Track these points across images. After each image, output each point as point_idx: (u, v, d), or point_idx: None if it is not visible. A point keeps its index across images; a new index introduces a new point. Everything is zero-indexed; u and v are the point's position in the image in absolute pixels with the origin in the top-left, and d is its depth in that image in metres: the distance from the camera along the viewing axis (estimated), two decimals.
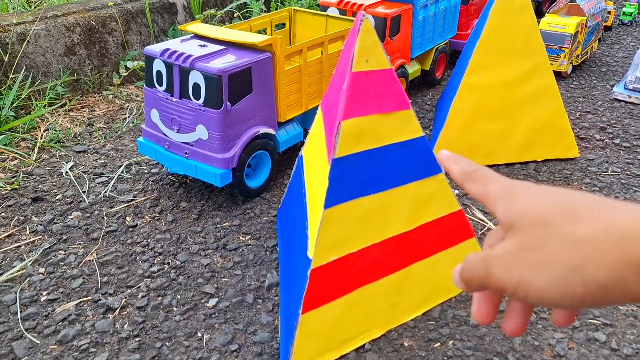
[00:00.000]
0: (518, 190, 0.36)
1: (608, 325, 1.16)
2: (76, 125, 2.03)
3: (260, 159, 1.59)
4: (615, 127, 2.06)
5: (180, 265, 1.33)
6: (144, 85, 1.52)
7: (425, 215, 1.13)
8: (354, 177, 1.02)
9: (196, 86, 1.38)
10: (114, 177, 1.70)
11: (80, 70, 2.25)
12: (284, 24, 1.99)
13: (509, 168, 1.77)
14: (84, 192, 1.63)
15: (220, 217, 1.51)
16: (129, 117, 2.12)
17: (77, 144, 1.91)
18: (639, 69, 2.27)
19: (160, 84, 1.46)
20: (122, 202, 1.58)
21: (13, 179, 1.69)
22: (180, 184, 1.67)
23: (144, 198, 1.60)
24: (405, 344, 1.11)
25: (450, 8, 2.30)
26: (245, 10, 2.95)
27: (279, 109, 1.56)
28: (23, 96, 2.00)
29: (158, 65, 1.45)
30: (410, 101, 1.09)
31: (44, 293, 1.24)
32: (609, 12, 3.10)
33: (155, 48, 1.46)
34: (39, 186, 1.66)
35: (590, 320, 1.18)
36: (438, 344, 1.11)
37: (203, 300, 1.23)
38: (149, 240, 1.42)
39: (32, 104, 2.04)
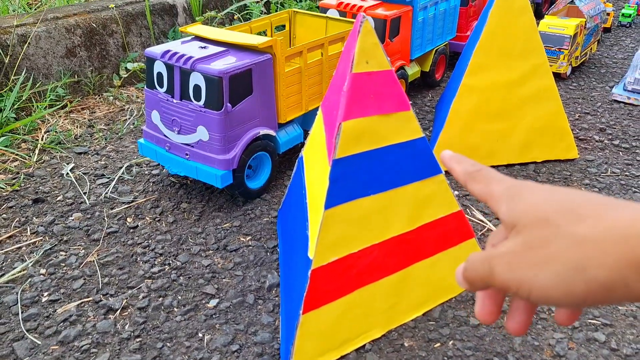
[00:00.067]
0: (521, 190, 0.36)
1: (608, 326, 1.17)
2: (77, 127, 2.04)
3: (260, 160, 1.59)
4: (615, 128, 2.07)
5: (181, 266, 1.34)
6: (145, 87, 1.52)
7: (425, 215, 1.14)
8: (355, 177, 1.02)
9: (197, 87, 1.39)
10: (114, 179, 1.70)
11: (81, 72, 2.25)
12: (284, 26, 1.99)
13: (509, 169, 1.77)
14: (84, 193, 1.63)
15: (220, 218, 1.51)
16: (129, 118, 2.12)
17: (77, 146, 1.91)
18: (638, 70, 2.28)
19: (161, 86, 1.47)
20: (123, 203, 1.59)
21: (14, 181, 1.69)
22: (180, 185, 1.67)
23: (144, 199, 1.60)
24: (406, 344, 1.11)
25: (449, 10, 2.31)
26: (246, 12, 2.96)
27: (279, 110, 1.56)
28: (24, 98, 2.00)
29: (159, 67, 1.45)
30: (410, 102, 1.09)
31: (45, 294, 1.25)
32: (608, 14, 3.11)
33: (156, 50, 1.47)
34: (40, 187, 1.66)
35: (589, 321, 1.18)
36: (438, 344, 1.12)
37: (204, 301, 1.23)
38: (150, 241, 1.42)
39: (33, 106, 2.05)
